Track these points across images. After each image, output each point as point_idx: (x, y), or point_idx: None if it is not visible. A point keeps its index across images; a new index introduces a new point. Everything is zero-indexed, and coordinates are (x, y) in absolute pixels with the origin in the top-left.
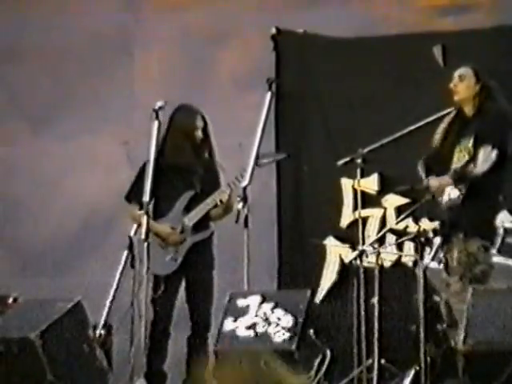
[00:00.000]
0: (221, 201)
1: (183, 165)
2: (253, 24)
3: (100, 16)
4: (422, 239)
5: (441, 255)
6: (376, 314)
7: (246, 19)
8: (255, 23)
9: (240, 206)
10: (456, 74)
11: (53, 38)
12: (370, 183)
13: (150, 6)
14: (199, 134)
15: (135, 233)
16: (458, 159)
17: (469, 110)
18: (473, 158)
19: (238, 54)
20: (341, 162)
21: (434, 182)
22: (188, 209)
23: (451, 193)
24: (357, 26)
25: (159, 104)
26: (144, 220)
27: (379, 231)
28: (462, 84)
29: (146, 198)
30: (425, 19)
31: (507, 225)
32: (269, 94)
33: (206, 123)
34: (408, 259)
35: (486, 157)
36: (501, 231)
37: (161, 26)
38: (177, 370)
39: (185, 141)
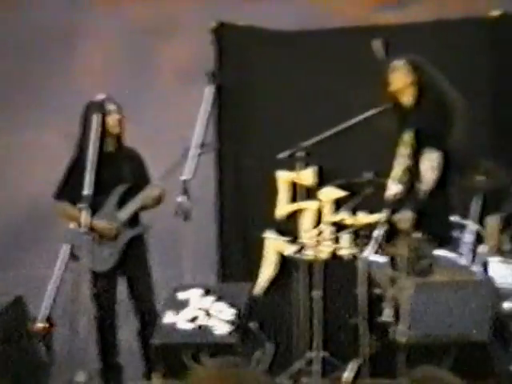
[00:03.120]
0: (154, 196)
1: (106, 159)
2: (196, 17)
3: (43, 9)
4: (363, 232)
5: (383, 248)
6: (318, 306)
7: (189, 12)
8: (198, 16)
9: (181, 199)
10: (389, 67)
11: None
12: (308, 176)
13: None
14: (115, 116)
15: (75, 229)
16: (400, 152)
17: (407, 101)
18: (417, 153)
19: (181, 47)
20: (282, 156)
21: (399, 222)
22: (120, 203)
23: (392, 187)
24: (299, 19)
25: (100, 97)
26: (86, 213)
27: (315, 224)
28: (394, 75)
29: (87, 190)
30: (367, 13)
31: (454, 219)
32: (210, 87)
33: (120, 112)
34: (345, 252)
35: (431, 165)
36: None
37: (103, 20)
38: (133, 362)
39: (101, 134)
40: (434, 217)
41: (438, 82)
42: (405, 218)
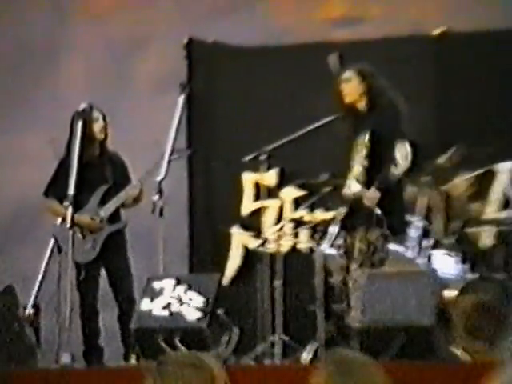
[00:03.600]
0: (133, 194)
1: (91, 161)
2: (170, 32)
3: (28, 24)
4: (320, 228)
5: (339, 242)
6: (279, 295)
7: (164, 28)
8: (172, 32)
9: (156, 198)
10: (341, 78)
11: None
12: (270, 177)
13: (75, 14)
14: (100, 123)
15: (60, 224)
16: (357, 153)
17: (362, 107)
18: (371, 154)
19: (156, 60)
20: (247, 159)
21: (366, 199)
22: (103, 201)
23: (352, 186)
24: (263, 35)
25: (83, 106)
26: (69, 210)
27: (277, 220)
28: (348, 86)
29: (71, 190)
30: (322, 30)
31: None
32: (182, 97)
33: (105, 129)
34: (303, 245)
35: (403, 154)
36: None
37: (85, 33)
38: (113, 344)
39: (87, 139)
40: (389, 213)
41: (386, 89)
42: (371, 195)
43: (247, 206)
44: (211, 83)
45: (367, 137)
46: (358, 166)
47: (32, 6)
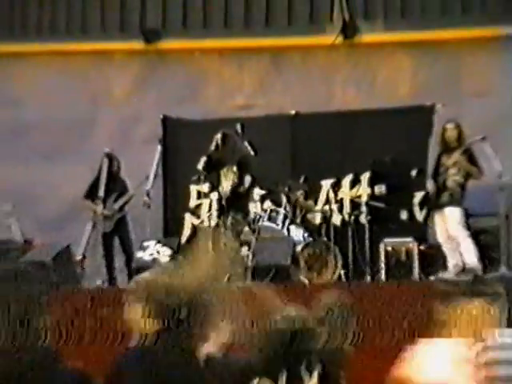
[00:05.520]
0: (130, 197)
1: (110, 181)
2: (154, 112)
3: (69, 104)
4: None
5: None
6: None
7: (152, 109)
8: (155, 112)
9: (146, 198)
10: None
11: (47, 117)
12: (205, 187)
13: (99, 99)
14: (115, 168)
15: (94, 213)
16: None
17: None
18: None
19: (146, 127)
20: (193, 178)
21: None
22: (115, 201)
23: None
24: (201, 114)
25: (107, 150)
26: (100, 206)
27: (209, 209)
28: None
29: (101, 194)
30: (234, 111)
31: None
32: (159, 147)
33: (118, 163)
34: (221, 224)
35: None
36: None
37: (106, 111)
38: (122, 275)
39: (110, 171)
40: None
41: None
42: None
43: (193, 202)
44: (176, 140)
45: (235, 167)
46: (229, 181)
47: (74, 93)
